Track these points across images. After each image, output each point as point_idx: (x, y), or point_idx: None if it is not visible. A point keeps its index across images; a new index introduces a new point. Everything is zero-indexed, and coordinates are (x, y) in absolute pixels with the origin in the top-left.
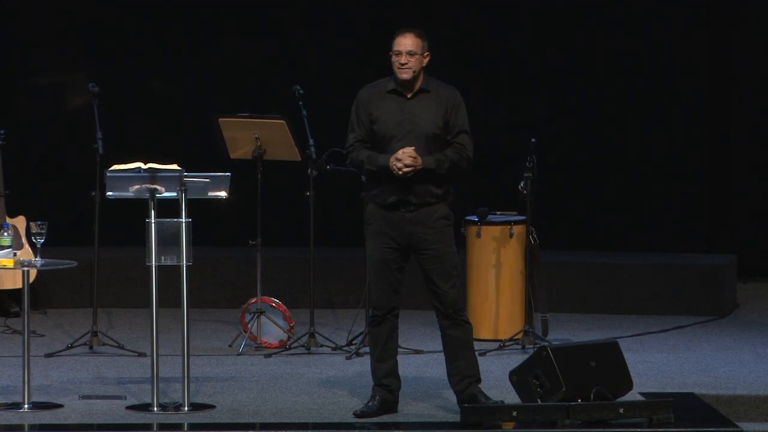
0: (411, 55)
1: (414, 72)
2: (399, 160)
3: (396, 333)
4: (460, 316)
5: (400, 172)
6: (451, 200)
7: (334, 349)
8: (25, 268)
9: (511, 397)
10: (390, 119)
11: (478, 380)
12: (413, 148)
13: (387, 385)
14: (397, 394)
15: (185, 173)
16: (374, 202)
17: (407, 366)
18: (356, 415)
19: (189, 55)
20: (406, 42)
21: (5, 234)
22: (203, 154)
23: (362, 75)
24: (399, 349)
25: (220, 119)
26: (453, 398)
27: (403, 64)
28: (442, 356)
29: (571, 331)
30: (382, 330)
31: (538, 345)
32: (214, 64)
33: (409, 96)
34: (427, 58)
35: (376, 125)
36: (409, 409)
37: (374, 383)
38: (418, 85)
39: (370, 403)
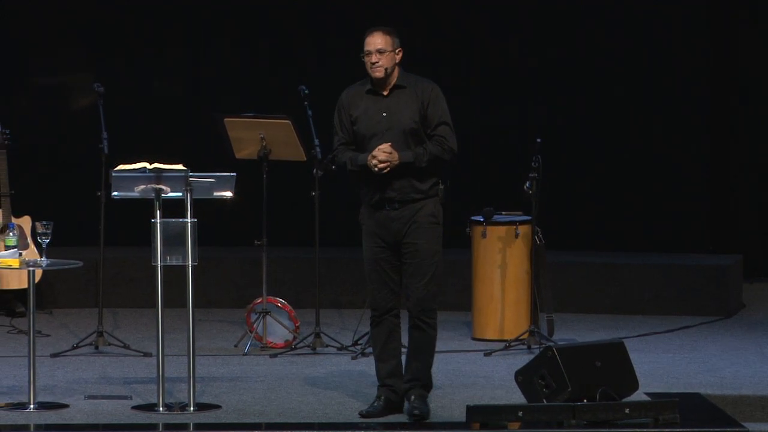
0: (381, 53)
1: (386, 69)
2: (374, 157)
3: (397, 333)
4: (425, 318)
5: (376, 169)
6: (442, 198)
7: (339, 349)
8: (31, 268)
9: (517, 397)
10: (368, 118)
11: (425, 386)
12: (389, 144)
13: (390, 385)
14: (401, 395)
15: (190, 173)
16: (364, 202)
17: None
18: (362, 415)
19: (194, 55)
20: (375, 41)
21: (11, 234)
22: (208, 154)
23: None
24: (405, 349)
25: (225, 119)
26: (459, 398)
27: (374, 63)
28: (449, 356)
29: (577, 332)
30: (381, 331)
31: (543, 345)
32: (219, 64)
33: (385, 93)
34: (400, 54)
35: (356, 126)
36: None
37: (378, 383)
38: (393, 82)
39: (375, 404)
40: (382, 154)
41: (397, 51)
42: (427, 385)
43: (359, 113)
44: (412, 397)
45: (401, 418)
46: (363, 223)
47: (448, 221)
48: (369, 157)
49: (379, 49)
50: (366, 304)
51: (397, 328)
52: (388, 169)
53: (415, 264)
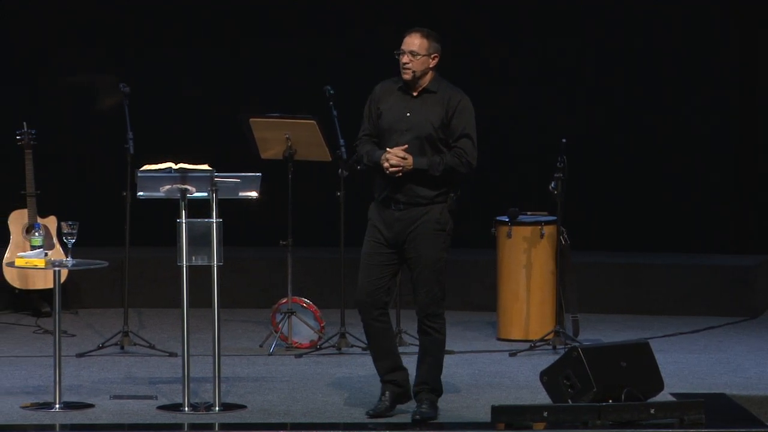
0: (413, 55)
1: (415, 73)
2: (387, 159)
3: (389, 333)
4: (429, 323)
5: (387, 171)
6: (451, 205)
7: (364, 349)
8: (57, 268)
9: (542, 398)
10: (392, 115)
11: (434, 390)
12: (404, 147)
13: (393, 380)
14: (407, 385)
15: (216, 173)
16: (374, 197)
17: None
18: (369, 415)
19: (220, 55)
20: (412, 42)
21: (36, 234)
22: (234, 154)
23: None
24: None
25: (250, 119)
26: (484, 398)
27: (404, 64)
28: (473, 356)
29: (602, 332)
30: (371, 334)
31: (568, 345)
32: (245, 64)
33: (414, 94)
34: (435, 60)
35: (380, 119)
36: (439, 409)
37: (381, 380)
38: (423, 85)
39: (381, 402)
40: (395, 158)
41: (432, 56)
42: (435, 389)
43: (385, 108)
44: (423, 402)
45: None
46: (369, 217)
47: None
48: (382, 158)
49: (413, 51)
50: (390, 304)
51: (387, 328)
52: (400, 173)
53: (418, 272)
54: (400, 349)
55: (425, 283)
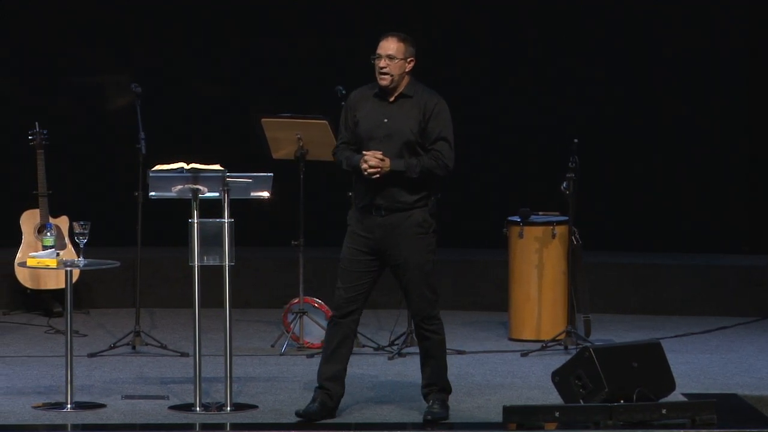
0: (390, 59)
1: (393, 77)
2: (365, 161)
3: (350, 339)
4: (426, 326)
5: (365, 174)
6: (432, 208)
7: (376, 349)
8: (68, 268)
9: (554, 398)
10: (369, 122)
11: (443, 389)
12: (380, 153)
13: (327, 389)
14: (337, 401)
15: (228, 173)
16: (353, 204)
17: (450, 366)
18: (298, 414)
19: (232, 56)
20: (388, 45)
21: (48, 234)
22: (246, 154)
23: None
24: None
25: (262, 119)
26: (496, 398)
27: (381, 69)
28: (485, 356)
29: (614, 332)
30: (336, 333)
31: (580, 345)
32: (257, 64)
33: (390, 100)
34: (411, 64)
35: (357, 127)
36: (451, 409)
37: (317, 384)
38: (400, 90)
39: (311, 405)
40: (373, 159)
41: (408, 60)
42: (444, 388)
43: (362, 115)
44: (434, 402)
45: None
46: (348, 223)
47: (482, 222)
48: (360, 161)
49: (390, 54)
50: (402, 304)
51: (352, 335)
52: (378, 175)
53: (407, 278)
54: (410, 349)
55: (416, 288)
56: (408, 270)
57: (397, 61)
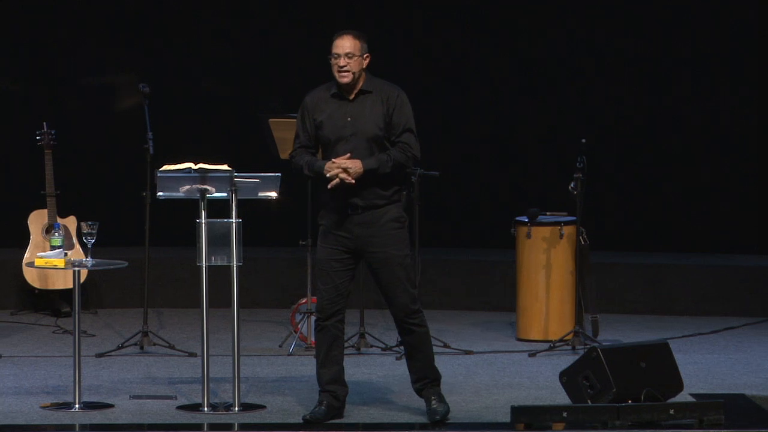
0: (349, 57)
1: (353, 74)
2: (337, 169)
3: (341, 340)
4: (411, 320)
5: (343, 183)
6: (404, 203)
7: (384, 349)
8: (76, 269)
9: (562, 398)
10: (333, 123)
11: (434, 381)
12: (347, 155)
13: (332, 391)
14: (343, 400)
15: (235, 174)
16: (325, 204)
17: (457, 366)
18: (305, 419)
19: (240, 55)
20: (344, 44)
21: (56, 234)
22: (253, 154)
23: (415, 75)
24: (449, 350)
25: (270, 120)
26: (503, 398)
27: (341, 67)
28: (493, 356)
29: (622, 332)
30: (324, 337)
31: (588, 346)
32: (265, 64)
33: (351, 98)
34: (367, 60)
35: (321, 130)
36: (458, 409)
37: (320, 389)
38: (359, 87)
39: (317, 409)
40: (336, 169)
41: (364, 56)
42: (436, 378)
43: (324, 117)
44: (432, 399)
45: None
46: (321, 223)
47: (489, 222)
48: (326, 169)
49: (348, 53)
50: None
51: (341, 335)
52: (353, 181)
53: (388, 273)
54: None
55: (399, 283)
56: (388, 265)
57: (355, 58)
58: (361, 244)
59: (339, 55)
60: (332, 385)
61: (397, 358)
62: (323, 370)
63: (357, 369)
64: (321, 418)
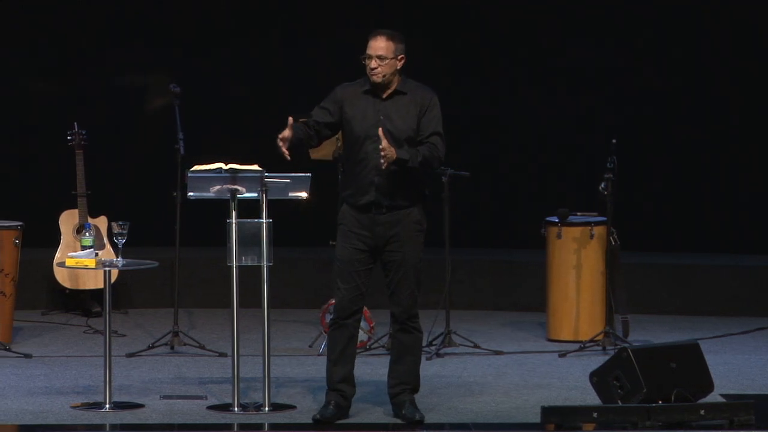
0: (381, 59)
1: (384, 76)
2: (382, 154)
3: (355, 339)
4: (411, 323)
5: (382, 166)
6: (427, 205)
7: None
8: (107, 269)
9: (592, 398)
10: (364, 120)
11: (414, 389)
12: (384, 142)
13: (341, 390)
14: (350, 400)
15: (266, 174)
16: (347, 202)
17: (487, 367)
18: (315, 420)
19: (271, 55)
20: (377, 45)
21: (87, 234)
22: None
23: (445, 76)
24: (479, 350)
25: (300, 120)
26: (534, 399)
27: (373, 69)
28: (523, 357)
29: (652, 333)
30: (342, 335)
31: (618, 346)
32: (295, 65)
33: (384, 97)
34: (402, 62)
35: (350, 125)
36: (488, 410)
37: (328, 387)
38: (393, 87)
39: (325, 409)
40: (385, 145)
41: (399, 58)
42: (415, 387)
43: (355, 113)
44: (406, 404)
45: (476, 417)
46: (341, 222)
47: (520, 223)
48: (379, 155)
49: (380, 55)
50: (440, 305)
51: (357, 334)
52: (386, 164)
53: (401, 274)
54: (449, 350)
55: (408, 285)
56: (403, 266)
57: (387, 60)
58: (381, 243)
59: (371, 57)
60: (342, 384)
61: (427, 359)
62: (336, 368)
63: (387, 369)
64: (330, 418)
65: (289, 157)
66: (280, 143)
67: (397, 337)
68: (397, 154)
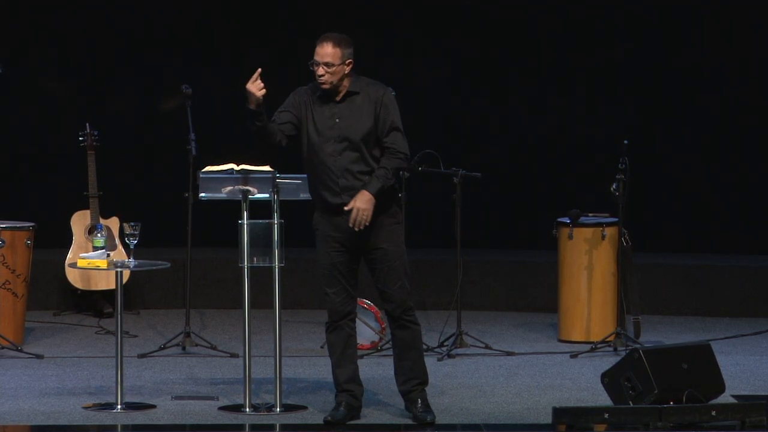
0: (328, 66)
1: (332, 83)
2: (353, 221)
3: (354, 339)
4: (407, 317)
5: (356, 225)
6: (398, 199)
7: (425, 350)
8: (119, 269)
9: (603, 399)
10: (321, 124)
11: (423, 382)
12: (352, 203)
13: (350, 390)
14: (360, 399)
15: (278, 175)
16: (319, 207)
17: (498, 367)
18: (326, 421)
19: (280, 56)
20: (324, 52)
21: (99, 235)
22: (295, 155)
23: (457, 78)
24: (490, 351)
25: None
26: (545, 399)
27: (320, 76)
28: (534, 357)
29: (664, 333)
30: (339, 337)
31: (630, 347)
32: (306, 65)
33: (337, 99)
34: (350, 66)
35: (306, 130)
36: (500, 410)
37: (337, 390)
38: (344, 90)
39: (336, 411)
40: (357, 220)
41: (347, 63)
42: (425, 380)
43: (310, 117)
44: (419, 403)
45: (487, 418)
46: (316, 228)
47: (531, 223)
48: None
49: (327, 62)
50: (452, 305)
51: (354, 333)
52: (368, 217)
53: (387, 268)
54: (461, 351)
55: (398, 279)
56: (388, 261)
57: (334, 67)
58: (362, 242)
59: (318, 63)
60: (350, 384)
61: (439, 359)
62: (339, 370)
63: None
64: (342, 419)
65: (253, 107)
66: (254, 90)
67: (396, 335)
68: (371, 191)
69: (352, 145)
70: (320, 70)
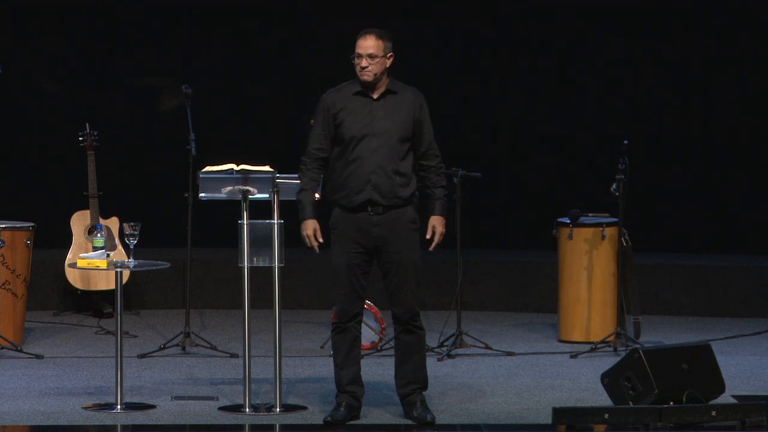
0: (371, 57)
1: (375, 75)
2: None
3: (359, 341)
4: (414, 322)
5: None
6: (417, 204)
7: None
8: (119, 269)
9: (603, 400)
10: (357, 121)
11: (423, 387)
12: (434, 224)
13: (352, 392)
14: (361, 400)
15: (278, 175)
16: (339, 204)
17: (498, 368)
18: (326, 422)
19: (281, 56)
20: (367, 44)
21: (99, 235)
22: (296, 155)
23: (456, 77)
24: (490, 351)
25: (312, 120)
26: (545, 399)
27: (363, 68)
28: (535, 358)
29: (664, 334)
30: (345, 338)
31: (630, 347)
32: (306, 65)
33: (375, 97)
34: (391, 59)
35: (341, 128)
36: (500, 411)
37: (338, 390)
38: (383, 87)
39: (336, 411)
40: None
41: (388, 56)
42: (424, 385)
43: (346, 115)
44: (417, 405)
45: (487, 419)
46: (335, 227)
47: (531, 224)
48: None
49: (370, 53)
50: (452, 305)
51: (359, 335)
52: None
53: (401, 274)
54: (461, 351)
55: (409, 285)
56: (402, 267)
57: (378, 59)
58: (379, 243)
59: (361, 56)
60: (352, 386)
61: (439, 360)
62: (343, 372)
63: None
64: (342, 419)
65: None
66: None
67: (401, 339)
68: (443, 214)
69: (389, 144)
70: (364, 62)
